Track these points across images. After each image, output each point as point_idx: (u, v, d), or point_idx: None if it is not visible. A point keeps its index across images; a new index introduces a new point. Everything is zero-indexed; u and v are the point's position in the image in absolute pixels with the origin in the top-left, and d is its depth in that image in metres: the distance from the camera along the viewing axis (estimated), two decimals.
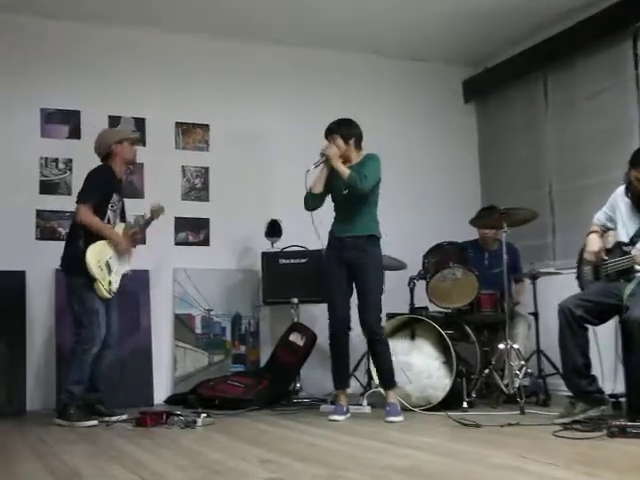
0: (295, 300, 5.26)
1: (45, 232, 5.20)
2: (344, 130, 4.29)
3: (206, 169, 5.72)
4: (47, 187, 5.28)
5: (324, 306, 5.05)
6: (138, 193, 5.46)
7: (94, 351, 4.21)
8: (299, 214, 5.77)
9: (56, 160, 5.30)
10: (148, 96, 5.53)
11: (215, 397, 4.82)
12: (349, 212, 4.26)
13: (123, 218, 4.56)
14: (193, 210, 5.64)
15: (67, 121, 5.36)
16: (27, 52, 5.29)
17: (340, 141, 4.28)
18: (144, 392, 5.16)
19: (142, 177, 5.50)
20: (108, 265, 4.28)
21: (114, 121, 5.45)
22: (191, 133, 5.70)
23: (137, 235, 4.57)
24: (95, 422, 4.10)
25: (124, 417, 4.24)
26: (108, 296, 4.26)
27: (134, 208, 5.32)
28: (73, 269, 4.25)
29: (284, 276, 5.30)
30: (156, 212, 4.56)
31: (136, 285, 5.21)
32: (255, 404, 4.69)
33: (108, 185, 4.34)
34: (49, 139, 5.29)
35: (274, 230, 5.47)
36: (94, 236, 4.24)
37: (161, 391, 5.28)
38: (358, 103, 5.65)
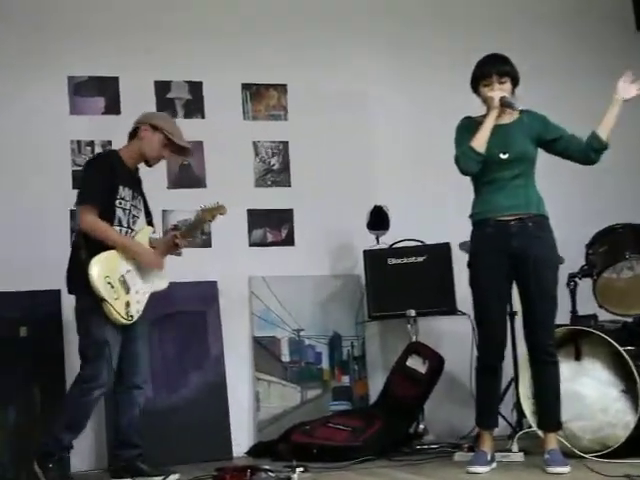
0: (412, 312, 5.22)
1: None
2: (515, 73, 4.22)
3: (285, 144, 5.71)
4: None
5: (451, 320, 4.90)
6: (198, 181, 5.50)
7: (97, 394, 4.23)
8: (412, 197, 5.67)
9: (91, 143, 5.32)
10: (204, 52, 5.53)
11: (313, 445, 4.79)
12: (510, 183, 4.16)
13: (149, 221, 4.55)
14: (271, 199, 5.64)
15: (102, 91, 5.38)
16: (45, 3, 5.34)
17: (509, 86, 4.20)
18: (219, 442, 5.17)
19: (202, 160, 5.51)
20: (124, 281, 4.27)
21: (162, 87, 5.48)
22: (263, 97, 5.69)
23: (178, 240, 4.50)
24: None
25: (176, 477, 4.29)
26: (124, 322, 4.23)
27: (194, 202, 5.32)
28: (76, 287, 4.27)
29: (396, 281, 5.28)
30: (209, 213, 4.46)
31: (201, 301, 5.26)
32: (365, 453, 4.68)
33: (111, 176, 4.33)
34: (81, 116, 5.31)
35: (379, 220, 5.44)
36: (102, 244, 4.24)
37: (241, 439, 5.29)
38: (487, 46, 5.44)
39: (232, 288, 5.45)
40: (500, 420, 4.70)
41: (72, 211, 5.20)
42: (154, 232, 4.59)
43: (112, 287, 4.19)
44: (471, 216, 4.26)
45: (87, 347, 4.25)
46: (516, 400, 4.74)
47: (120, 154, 4.46)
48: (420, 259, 5.26)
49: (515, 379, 4.80)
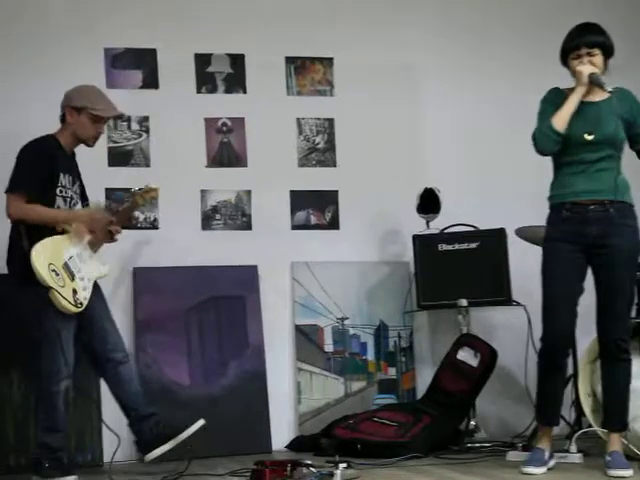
0: (464, 302, 5.20)
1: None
2: (607, 42, 4.09)
3: (330, 121, 5.69)
4: (118, 157, 5.34)
5: (506, 310, 4.85)
6: (239, 160, 5.49)
7: (61, 386, 4.24)
8: (465, 179, 5.64)
9: (128, 119, 5.33)
10: (246, 23, 5.53)
11: (357, 441, 4.79)
12: (593, 166, 4.06)
13: (86, 206, 4.56)
14: (315, 180, 5.63)
15: (140, 64, 5.40)
16: None
17: (601, 58, 4.08)
18: (258, 435, 5.18)
19: (243, 137, 5.51)
20: (67, 267, 4.24)
21: (202, 61, 5.48)
22: (308, 71, 5.67)
23: (113, 226, 4.51)
24: (74, 478, 4.17)
25: (201, 423, 4.37)
26: (73, 309, 4.21)
27: (235, 182, 5.32)
28: (21, 279, 4.22)
29: (447, 268, 5.25)
30: (140, 197, 4.54)
31: (240, 287, 5.28)
32: (413, 450, 4.65)
33: (48, 163, 4.30)
34: (117, 90, 5.27)
35: (430, 203, 5.40)
36: (42, 232, 4.21)
37: (281, 433, 5.29)
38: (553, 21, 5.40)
39: (273, 273, 5.45)
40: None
41: (107, 189, 5.27)
42: None
43: (57, 275, 4.16)
44: (549, 198, 4.18)
45: (39, 340, 4.24)
46: (575, 398, 4.71)
47: (57, 138, 4.42)
48: (473, 245, 5.22)
49: (574, 375, 4.74)
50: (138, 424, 4.44)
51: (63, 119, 4.44)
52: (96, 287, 4.43)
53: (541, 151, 4.08)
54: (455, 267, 5.22)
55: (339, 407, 5.36)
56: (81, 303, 4.24)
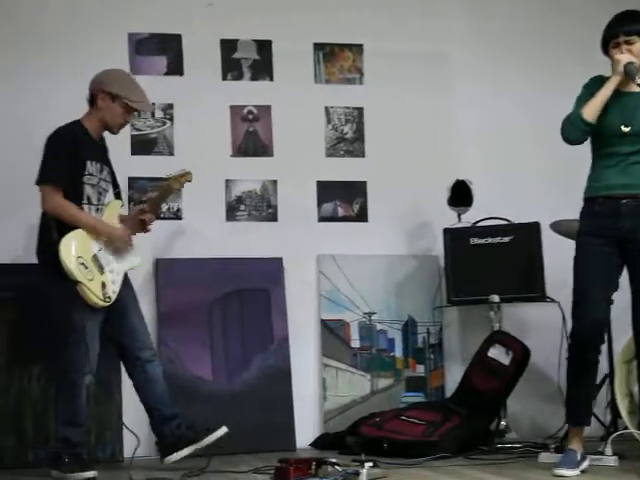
0: (495, 298, 5.18)
1: None
2: None
3: (360, 110, 5.67)
4: (141, 145, 5.35)
5: (539, 307, 4.81)
6: (265, 149, 5.49)
7: (85, 380, 4.27)
8: (498, 171, 5.60)
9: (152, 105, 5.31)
10: (274, 8, 5.51)
11: (383, 439, 4.78)
12: (628, 159, 4.04)
13: (117, 193, 4.55)
14: (343, 170, 5.62)
15: (164, 50, 5.41)
16: None
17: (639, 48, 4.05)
18: (282, 432, 5.18)
19: (269, 126, 5.51)
20: (96, 260, 4.26)
21: (228, 46, 5.48)
22: (337, 59, 5.65)
23: (145, 215, 4.55)
24: (93, 474, 4.18)
25: (223, 429, 4.40)
26: (101, 304, 4.24)
27: (260, 172, 5.30)
28: (49, 271, 4.24)
29: (478, 263, 5.24)
30: (176, 181, 4.54)
31: (265, 279, 5.28)
32: (441, 450, 4.65)
33: (75, 150, 4.30)
34: (141, 76, 5.22)
35: (462, 196, 5.37)
36: (72, 224, 4.24)
37: (306, 430, 5.30)
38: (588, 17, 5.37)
39: (299, 266, 5.45)
40: (592, 420, 4.62)
41: (130, 178, 5.28)
42: (122, 206, 4.60)
43: (86, 268, 4.18)
44: (584, 192, 4.17)
45: (64, 333, 4.26)
46: (611, 398, 4.71)
47: (84, 124, 4.42)
48: (506, 239, 5.21)
49: (610, 375, 4.72)
50: (160, 425, 4.48)
51: (92, 102, 4.43)
52: (126, 280, 4.45)
53: (566, 138, 4.06)
54: (487, 262, 5.21)
55: (365, 405, 5.35)
56: (109, 297, 4.26)
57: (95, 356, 4.30)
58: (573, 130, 4.02)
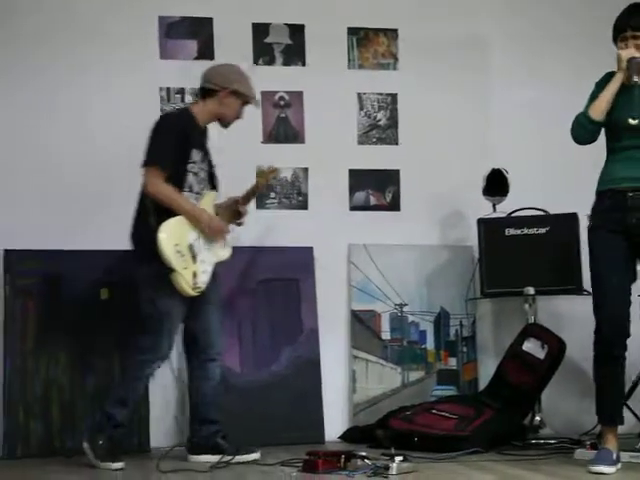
0: (531, 290, 5.15)
1: None
2: None
3: (394, 97, 5.68)
4: None
5: (575, 300, 4.81)
6: (296, 136, 5.50)
7: (154, 367, 4.39)
8: (535, 160, 5.59)
9: (181, 91, 5.37)
10: None
11: (414, 433, 4.79)
12: (636, 153, 4.05)
13: (214, 186, 4.59)
14: (376, 158, 5.62)
15: (195, 34, 5.44)
16: None
17: None
18: (311, 424, 5.20)
19: (301, 112, 5.53)
20: (191, 249, 4.31)
21: (260, 31, 5.49)
22: (371, 44, 5.65)
23: (240, 207, 4.63)
24: (121, 465, 4.24)
25: (255, 456, 4.38)
26: (191, 293, 4.31)
27: (292, 159, 5.31)
28: (142, 254, 4.31)
29: (513, 254, 5.22)
30: (263, 176, 4.64)
31: (295, 269, 5.30)
32: (473, 444, 4.64)
33: (183, 138, 4.36)
34: (171, 61, 5.40)
35: (497, 185, 5.37)
36: (170, 210, 4.30)
37: (335, 423, 5.32)
38: None
39: (329, 255, 5.47)
40: (630, 416, 4.69)
41: None
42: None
43: (182, 256, 4.26)
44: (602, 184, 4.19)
45: (149, 317, 4.33)
46: None
47: (193, 113, 4.48)
48: (542, 230, 5.19)
49: None
50: (199, 424, 4.52)
51: (206, 94, 4.48)
52: (214, 273, 4.49)
53: (575, 138, 4.11)
54: (522, 253, 5.18)
55: (395, 398, 5.37)
56: (199, 287, 4.33)
57: (172, 344, 4.39)
58: (580, 131, 4.07)
